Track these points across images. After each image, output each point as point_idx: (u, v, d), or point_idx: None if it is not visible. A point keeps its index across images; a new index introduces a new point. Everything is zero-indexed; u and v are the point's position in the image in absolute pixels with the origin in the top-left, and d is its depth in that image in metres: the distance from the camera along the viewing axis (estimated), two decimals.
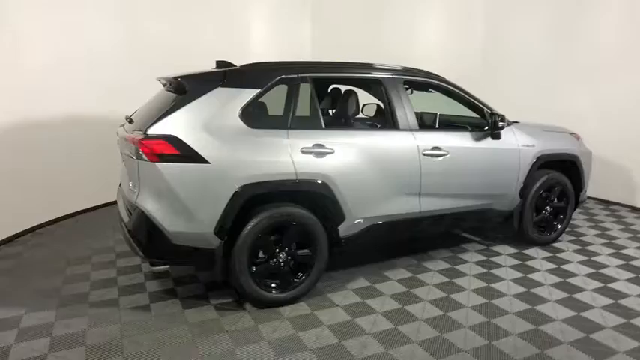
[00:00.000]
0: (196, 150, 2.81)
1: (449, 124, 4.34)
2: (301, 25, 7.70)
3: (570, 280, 3.61)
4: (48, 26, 4.62)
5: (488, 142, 3.85)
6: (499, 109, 3.93)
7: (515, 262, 3.97)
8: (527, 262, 3.95)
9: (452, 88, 3.88)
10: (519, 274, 3.70)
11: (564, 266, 3.88)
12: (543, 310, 3.13)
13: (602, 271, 3.78)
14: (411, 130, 3.53)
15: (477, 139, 3.80)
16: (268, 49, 7.11)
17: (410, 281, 3.56)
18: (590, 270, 3.80)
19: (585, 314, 3.07)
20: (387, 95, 3.55)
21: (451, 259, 3.99)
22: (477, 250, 4.22)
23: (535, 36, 6.42)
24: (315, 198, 3.17)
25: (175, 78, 3.05)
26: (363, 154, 3.29)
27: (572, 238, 4.60)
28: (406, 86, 3.82)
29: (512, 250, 4.24)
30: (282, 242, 3.11)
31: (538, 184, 4.13)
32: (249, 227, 2.96)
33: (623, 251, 4.22)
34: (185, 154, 2.79)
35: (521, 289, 3.43)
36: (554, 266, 3.87)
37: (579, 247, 4.33)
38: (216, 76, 3.06)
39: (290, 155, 3.03)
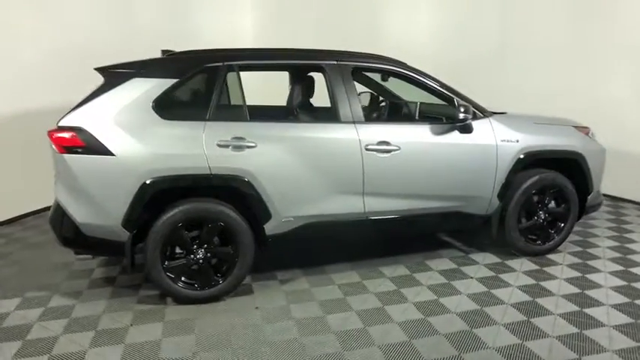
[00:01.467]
0: (102, 142, 2.77)
1: (434, 115, 3.87)
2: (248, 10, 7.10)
3: (540, 300, 3.07)
4: None
5: (455, 137, 3.37)
6: (512, 98, 3.42)
7: (487, 274, 3.47)
8: (501, 275, 3.44)
9: (413, 75, 3.44)
10: (482, 289, 3.23)
11: (544, 283, 3.31)
12: (480, 334, 2.69)
13: (589, 293, 3.17)
14: (354, 122, 3.20)
15: (441, 133, 3.35)
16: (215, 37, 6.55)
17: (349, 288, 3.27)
18: (574, 290, 3.20)
19: (530, 345, 2.59)
20: (328, 84, 3.25)
21: (415, 266, 3.60)
22: (451, 257, 3.77)
23: (559, 14, 5.55)
24: (235, 194, 3.00)
25: (96, 68, 3.04)
26: (291, 149, 3.04)
27: (578, 249, 3.93)
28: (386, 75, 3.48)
29: (492, 259, 3.72)
30: (200, 239, 3.00)
31: (525, 186, 3.55)
32: (159, 222, 2.89)
33: (633, 270, 3.51)
34: (91, 145, 2.77)
35: (472, 307, 2.98)
36: (530, 282, 3.33)
37: (578, 261, 3.68)
38: (134, 66, 2.99)
39: (203, 149, 2.89)
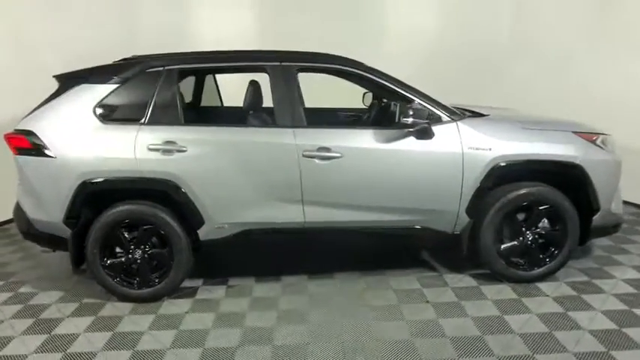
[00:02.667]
0: (46, 144, 2.97)
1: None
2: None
3: (488, 338, 2.61)
4: None
5: (410, 143, 3.00)
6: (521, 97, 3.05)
7: (449, 299, 3.05)
8: (464, 303, 3.00)
9: (368, 75, 3.13)
10: (428, 317, 2.85)
11: (509, 317, 2.81)
12: None
13: (558, 335, 2.61)
14: (293, 126, 3.02)
15: (394, 139, 3.01)
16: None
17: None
18: (539, 329, 2.67)
19: None
20: (271, 86, 3.10)
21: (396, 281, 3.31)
22: (421, 277, 3.38)
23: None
24: (166, 198, 3.02)
25: (54, 75, 3.25)
26: (223, 154, 2.98)
27: (582, 278, 3.27)
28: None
29: (468, 283, 3.26)
30: (137, 240, 3.08)
31: (502, 202, 3.05)
32: (97, 222, 3.02)
33: (638, 312, 2.83)
34: (36, 148, 2.99)
35: (404, 337, 2.65)
36: (494, 314, 2.85)
37: (571, 294, 3.06)
38: (83, 73, 3.15)
39: (134, 152, 2.95)
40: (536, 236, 3.15)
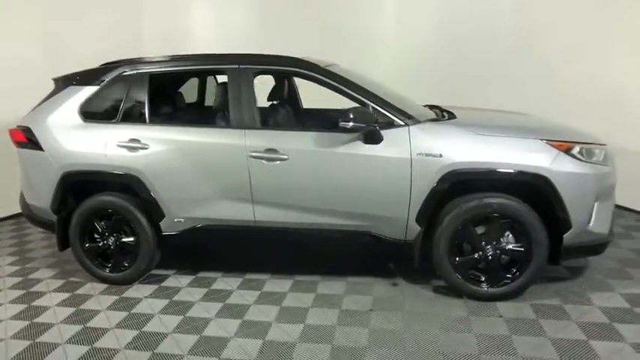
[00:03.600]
0: (38, 139, 3.38)
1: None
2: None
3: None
4: None
5: (357, 147, 2.93)
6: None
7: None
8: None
9: (323, 77, 3.10)
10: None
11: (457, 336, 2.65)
12: None
13: (485, 358, 2.41)
14: (244, 127, 3.10)
15: (340, 142, 2.96)
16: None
17: None
18: (472, 352, 2.48)
19: None
20: (229, 88, 3.20)
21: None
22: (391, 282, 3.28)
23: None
24: (131, 192, 3.27)
25: (53, 78, 3.65)
26: (179, 152, 3.16)
27: (553, 301, 2.95)
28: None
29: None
30: (110, 228, 3.38)
31: (456, 212, 2.87)
32: (77, 210, 3.37)
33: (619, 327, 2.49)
34: (30, 142, 3.41)
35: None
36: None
37: (529, 317, 2.78)
38: (74, 75, 3.50)
39: (105, 148, 3.24)
40: (498, 252, 2.91)
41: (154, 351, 2.61)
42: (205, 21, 6.55)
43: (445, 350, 2.51)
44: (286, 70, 3.25)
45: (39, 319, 3.00)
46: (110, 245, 3.40)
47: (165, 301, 3.18)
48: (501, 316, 2.81)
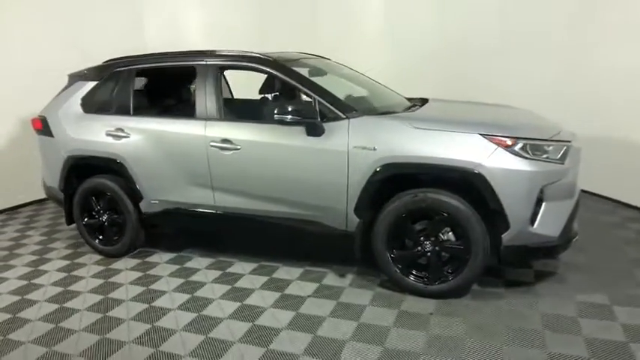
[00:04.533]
0: (50, 127, 3.93)
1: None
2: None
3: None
4: None
5: (300, 139, 3.04)
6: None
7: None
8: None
9: (275, 72, 3.26)
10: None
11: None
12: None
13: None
14: (206, 119, 3.35)
15: (288, 135, 3.09)
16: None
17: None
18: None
19: None
20: (197, 82, 3.46)
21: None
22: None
23: None
24: (116, 175, 3.68)
25: (68, 74, 4.18)
26: (151, 141, 3.50)
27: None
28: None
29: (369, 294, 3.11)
30: (103, 206, 3.84)
31: (393, 206, 2.87)
32: (79, 189, 3.86)
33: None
34: (45, 129, 3.97)
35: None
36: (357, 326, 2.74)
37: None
38: (82, 71, 3.99)
39: (97, 136, 3.68)
40: (437, 248, 2.87)
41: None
42: (205, 19, 6.93)
43: None
44: (246, 65, 3.44)
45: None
46: (104, 222, 3.86)
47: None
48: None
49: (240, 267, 3.56)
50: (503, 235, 2.71)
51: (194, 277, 3.44)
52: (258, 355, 2.47)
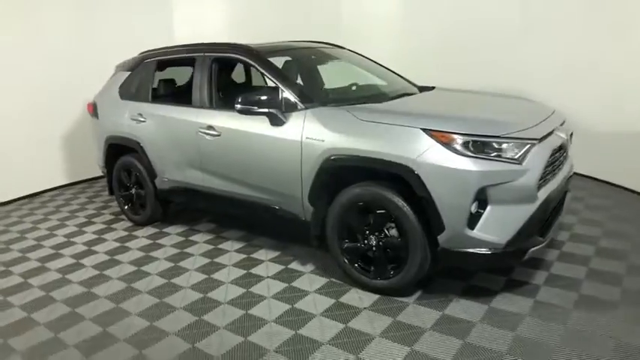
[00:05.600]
0: (98, 111, 4.62)
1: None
2: None
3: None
4: None
5: (265, 128, 3.19)
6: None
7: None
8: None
9: (251, 62, 3.46)
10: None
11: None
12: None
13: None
14: (200, 107, 3.66)
15: (258, 123, 3.24)
16: None
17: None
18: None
19: None
20: (195, 72, 3.79)
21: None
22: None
23: None
24: (138, 154, 4.20)
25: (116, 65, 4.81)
26: (161, 125, 3.93)
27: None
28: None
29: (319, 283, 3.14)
30: (132, 182, 4.43)
31: (340, 198, 2.89)
32: (115, 166, 4.51)
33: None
34: (95, 112, 4.67)
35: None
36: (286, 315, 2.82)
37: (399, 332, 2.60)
38: (123, 62, 4.58)
39: (125, 120, 4.24)
40: (381, 243, 2.82)
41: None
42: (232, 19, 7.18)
43: None
44: (232, 56, 3.66)
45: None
46: (133, 194, 4.46)
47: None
48: None
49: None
50: (439, 237, 2.57)
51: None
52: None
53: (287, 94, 3.14)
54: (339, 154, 2.83)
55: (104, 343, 2.62)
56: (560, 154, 2.90)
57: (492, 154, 2.50)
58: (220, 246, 3.85)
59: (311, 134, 2.96)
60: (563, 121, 3.10)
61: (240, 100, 3.12)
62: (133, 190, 4.44)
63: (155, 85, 4.25)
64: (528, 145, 2.54)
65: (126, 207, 4.54)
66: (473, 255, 2.56)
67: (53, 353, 2.56)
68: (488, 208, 2.50)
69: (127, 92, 4.41)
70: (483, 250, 2.54)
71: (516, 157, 2.51)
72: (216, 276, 3.32)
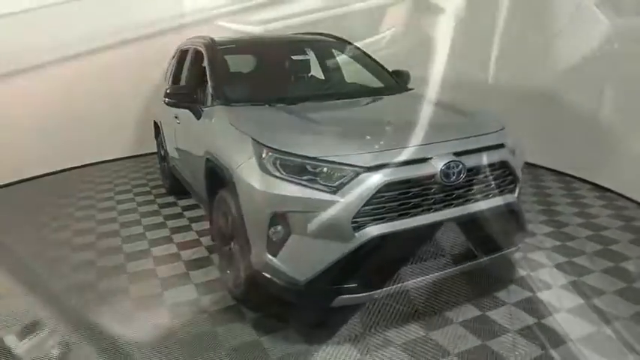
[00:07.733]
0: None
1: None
2: None
3: None
4: None
5: (192, 120, 3.28)
6: None
7: None
8: None
9: (204, 54, 3.52)
10: None
11: None
12: None
13: None
14: None
15: (188, 115, 3.33)
16: None
17: None
18: None
19: None
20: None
21: None
22: None
23: None
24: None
25: None
26: (167, 110, 4.35)
27: None
28: None
29: None
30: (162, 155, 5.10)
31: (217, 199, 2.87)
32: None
33: None
34: None
35: None
36: None
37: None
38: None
39: (160, 100, 4.86)
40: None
41: None
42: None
43: None
44: (199, 49, 3.76)
45: None
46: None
47: None
48: None
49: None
50: (250, 257, 2.35)
51: None
52: None
53: (210, 91, 3.19)
54: (210, 155, 2.80)
55: None
56: (438, 188, 2.24)
57: (304, 178, 2.15)
58: None
59: (203, 133, 3.00)
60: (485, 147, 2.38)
61: (169, 93, 3.24)
62: (164, 164, 5.12)
63: (176, 71, 4.73)
64: (351, 173, 2.09)
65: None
66: (277, 286, 2.27)
67: None
68: (291, 237, 2.18)
69: (168, 76, 5.02)
70: (282, 283, 2.23)
71: (335, 184, 2.10)
72: None
